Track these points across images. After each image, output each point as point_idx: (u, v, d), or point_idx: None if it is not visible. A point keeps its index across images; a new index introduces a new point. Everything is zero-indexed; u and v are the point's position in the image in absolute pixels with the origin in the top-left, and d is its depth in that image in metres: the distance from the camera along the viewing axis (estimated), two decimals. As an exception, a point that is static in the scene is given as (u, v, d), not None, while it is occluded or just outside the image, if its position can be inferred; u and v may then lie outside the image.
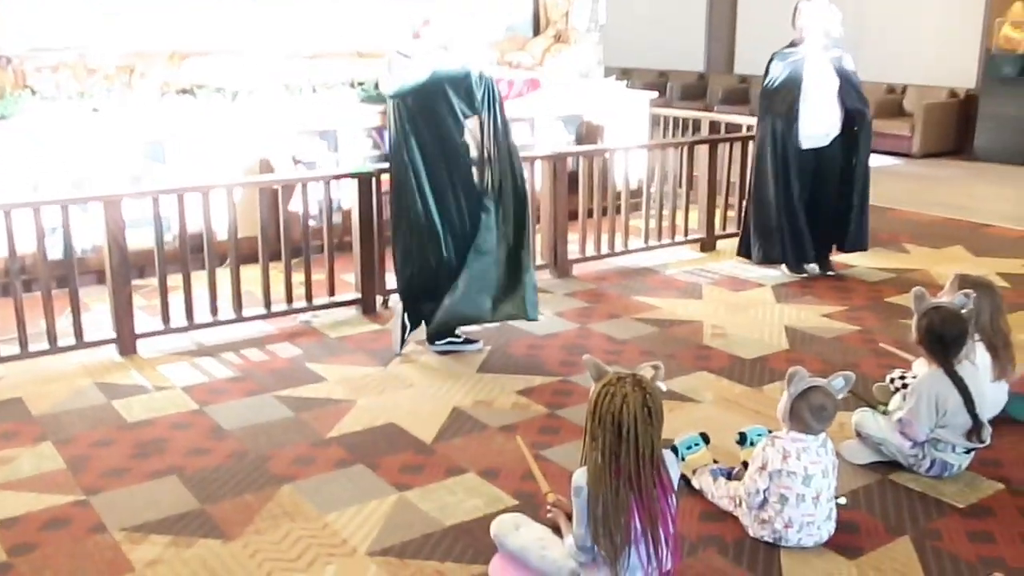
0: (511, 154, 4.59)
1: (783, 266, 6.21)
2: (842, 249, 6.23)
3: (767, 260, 6.20)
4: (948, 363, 3.47)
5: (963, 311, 3.56)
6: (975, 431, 3.44)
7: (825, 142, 5.96)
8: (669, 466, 2.61)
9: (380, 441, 3.80)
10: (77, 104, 6.08)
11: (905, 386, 3.90)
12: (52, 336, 4.57)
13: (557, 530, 2.90)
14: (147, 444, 3.76)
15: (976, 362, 3.65)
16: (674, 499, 2.62)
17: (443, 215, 4.52)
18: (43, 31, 6.14)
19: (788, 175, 5.97)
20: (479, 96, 4.48)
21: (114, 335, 4.72)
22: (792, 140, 5.92)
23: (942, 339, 3.49)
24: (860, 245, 6.20)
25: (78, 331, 4.65)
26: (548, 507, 3.01)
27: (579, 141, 7.74)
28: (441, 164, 4.49)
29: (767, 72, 6.03)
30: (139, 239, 5.07)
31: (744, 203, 6.53)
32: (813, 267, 6.24)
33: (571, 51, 8.31)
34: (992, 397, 3.76)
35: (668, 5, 14.51)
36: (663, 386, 2.62)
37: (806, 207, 6.04)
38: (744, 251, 6.32)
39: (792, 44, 5.98)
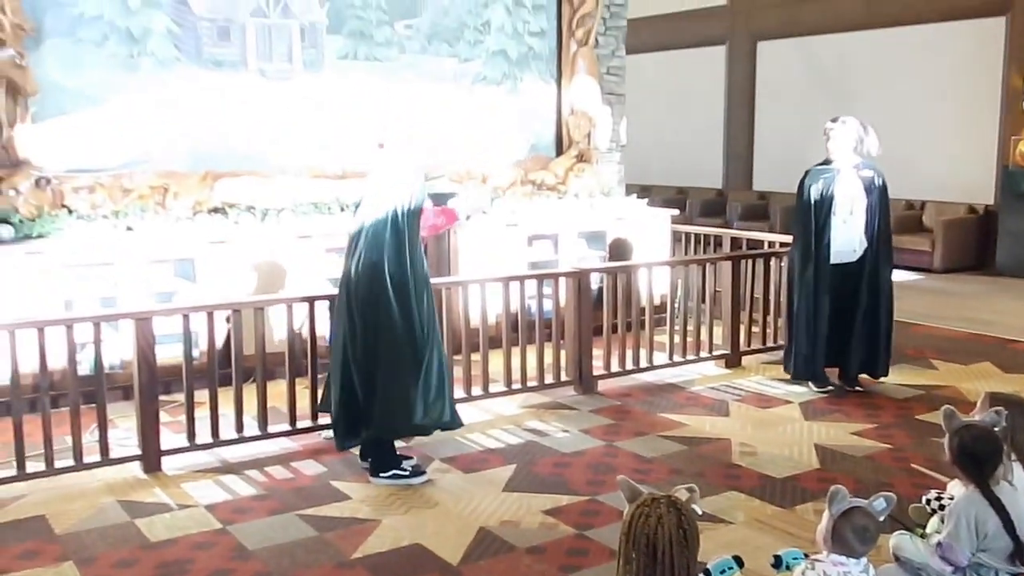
0: None
1: (809, 383, 6.17)
2: (874, 375, 6.22)
3: (803, 377, 6.19)
4: (984, 483, 3.39)
5: (995, 428, 3.50)
6: (1018, 554, 3.34)
7: (853, 258, 6.00)
8: (706, 591, 2.55)
9: (405, 562, 3.73)
10: (112, 223, 6.23)
11: (943, 507, 3.80)
12: (78, 452, 4.57)
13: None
14: (169, 564, 3.70)
15: (1015, 483, 3.56)
16: (711, 626, 2.54)
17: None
18: (80, 153, 6.35)
19: (818, 290, 6.01)
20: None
21: (139, 451, 4.71)
22: (823, 256, 5.98)
23: (975, 458, 3.42)
24: (884, 370, 6.20)
25: (104, 447, 4.64)
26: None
27: (612, 256, 7.85)
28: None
29: (800, 188, 6.12)
30: (165, 354, 5.12)
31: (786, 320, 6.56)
32: (840, 382, 6.20)
33: (593, 170, 8.50)
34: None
35: (687, 124, 14.86)
36: (699, 509, 2.57)
37: (832, 322, 6.04)
38: (789, 368, 6.30)
39: (826, 161, 6.08)
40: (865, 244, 6.00)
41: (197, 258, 6.21)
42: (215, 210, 6.66)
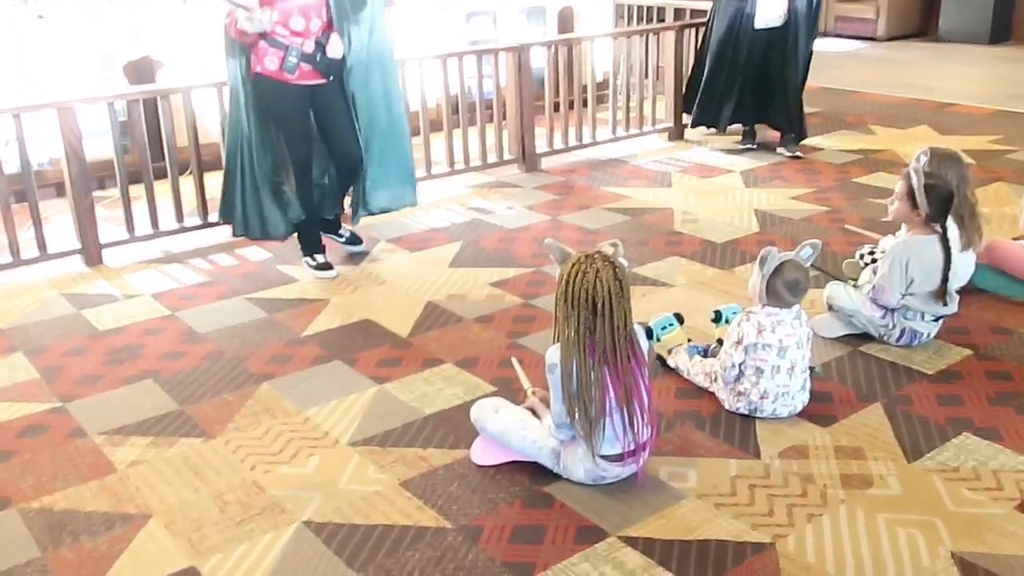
0: None
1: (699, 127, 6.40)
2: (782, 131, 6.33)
3: (701, 123, 6.42)
4: (945, 227, 3.49)
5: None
6: (941, 292, 3.48)
7: (778, 23, 5.98)
8: (640, 339, 2.64)
9: (356, 337, 3.80)
10: (20, 12, 5.84)
11: (875, 261, 3.94)
12: (15, 249, 4.49)
13: (535, 415, 2.93)
14: (120, 351, 3.73)
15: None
16: (647, 371, 2.65)
17: None
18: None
19: (738, 52, 6.05)
20: None
21: (79, 246, 4.64)
22: (749, 20, 5.97)
23: (948, 202, 3.49)
24: (801, 133, 6.30)
25: (41, 243, 4.56)
26: (527, 393, 3.05)
27: (561, 27, 7.67)
28: None
29: None
30: (98, 150, 4.95)
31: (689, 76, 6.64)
32: (782, 150, 6.27)
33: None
34: (959, 267, 3.80)
35: None
36: (624, 261, 2.62)
37: (754, 85, 6.12)
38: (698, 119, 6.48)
39: None
40: (786, 8, 5.94)
41: (119, 47, 5.89)
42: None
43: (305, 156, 4.36)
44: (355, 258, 4.65)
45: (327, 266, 4.47)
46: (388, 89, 4.48)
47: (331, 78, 4.23)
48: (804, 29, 6.01)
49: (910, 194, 3.51)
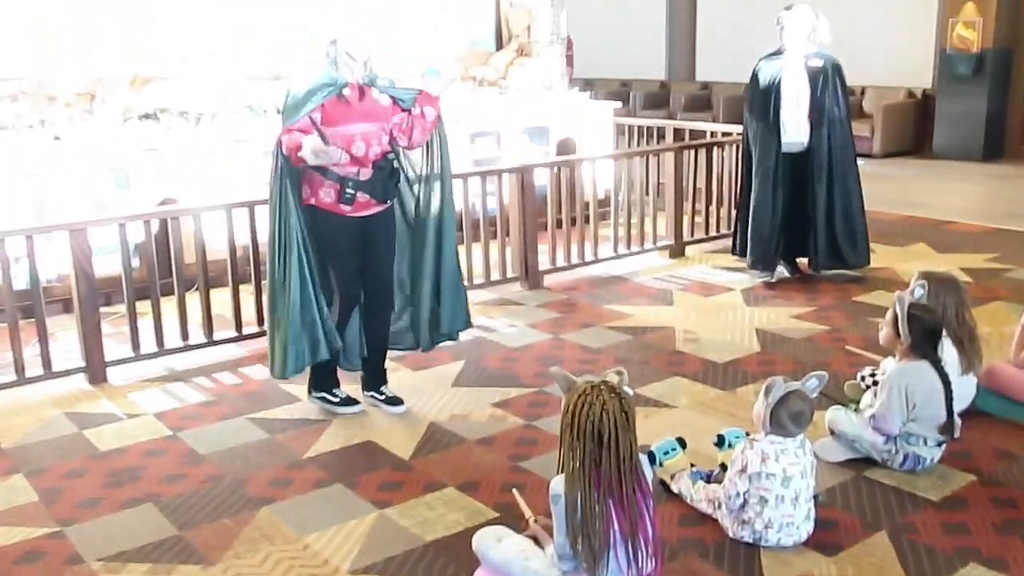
0: None
1: (754, 271, 6.24)
2: (847, 267, 6.21)
3: (761, 263, 6.16)
4: (936, 356, 3.52)
5: (924, 301, 3.64)
6: (948, 426, 3.49)
7: (799, 149, 6.00)
8: (644, 468, 2.63)
9: (358, 459, 3.78)
10: (38, 133, 6.02)
11: (876, 383, 3.94)
12: (19, 367, 4.51)
13: (537, 544, 2.90)
14: (121, 472, 3.72)
15: (944, 357, 3.70)
16: (652, 502, 2.64)
17: None
18: (0, 60, 6.09)
19: (774, 180, 6.02)
20: None
21: (83, 364, 4.67)
22: (775, 145, 5.98)
23: (934, 333, 3.54)
24: (865, 261, 6.22)
25: (46, 361, 4.59)
26: (529, 521, 3.02)
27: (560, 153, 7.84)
28: None
29: (752, 78, 6.11)
30: (105, 266, 5.03)
31: (737, 205, 6.64)
32: (781, 270, 6.30)
33: (534, 64, 8.37)
34: (961, 391, 3.81)
35: (628, 16, 14.64)
36: (630, 390, 2.64)
37: (786, 211, 6.06)
38: (739, 251, 6.39)
39: (777, 51, 6.06)
40: (808, 134, 5.96)
41: (131, 166, 6.05)
42: (146, 116, 6.46)
43: (355, 294, 4.12)
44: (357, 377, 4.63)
45: (351, 401, 4.24)
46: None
47: (388, 203, 4.03)
48: (820, 159, 5.94)
49: (896, 322, 3.56)
